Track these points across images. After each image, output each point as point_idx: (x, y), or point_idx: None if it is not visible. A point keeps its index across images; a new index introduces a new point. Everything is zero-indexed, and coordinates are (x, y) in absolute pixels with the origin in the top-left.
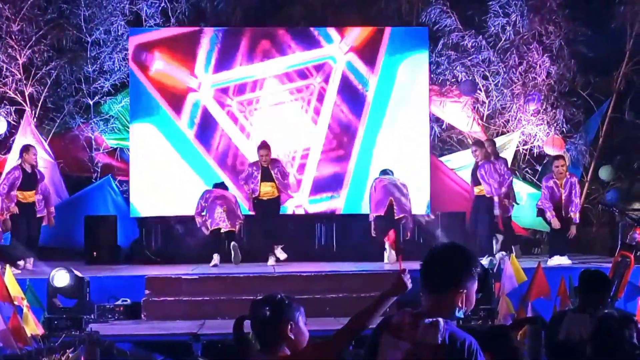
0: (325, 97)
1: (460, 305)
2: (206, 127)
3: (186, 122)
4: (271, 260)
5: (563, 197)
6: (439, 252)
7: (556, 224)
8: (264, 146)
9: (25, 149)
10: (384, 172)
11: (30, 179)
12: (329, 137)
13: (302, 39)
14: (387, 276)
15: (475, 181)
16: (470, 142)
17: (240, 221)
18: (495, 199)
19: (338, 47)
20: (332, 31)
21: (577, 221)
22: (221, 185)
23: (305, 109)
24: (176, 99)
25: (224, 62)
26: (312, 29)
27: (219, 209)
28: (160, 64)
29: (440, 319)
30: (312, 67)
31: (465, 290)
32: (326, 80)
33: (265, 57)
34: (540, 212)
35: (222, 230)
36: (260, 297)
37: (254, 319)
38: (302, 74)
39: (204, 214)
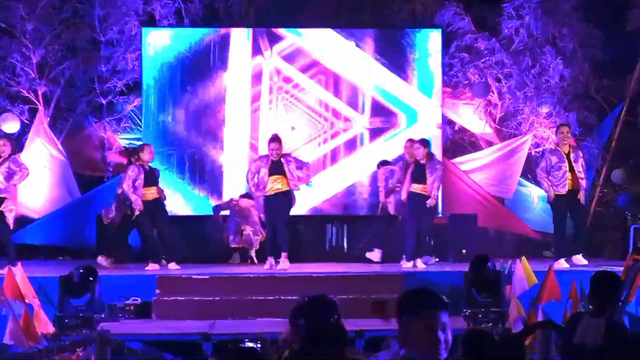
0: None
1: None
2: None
3: None
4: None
5: (574, 165)
6: None
7: (551, 195)
8: (275, 139)
9: (141, 148)
10: (385, 162)
11: (148, 176)
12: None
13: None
14: (398, 277)
15: (418, 179)
16: (483, 145)
17: (257, 238)
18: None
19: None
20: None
21: (584, 187)
22: (246, 196)
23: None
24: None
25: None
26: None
27: (237, 236)
28: None
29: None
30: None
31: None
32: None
33: None
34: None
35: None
36: (314, 300)
37: (320, 325)
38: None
39: (223, 213)
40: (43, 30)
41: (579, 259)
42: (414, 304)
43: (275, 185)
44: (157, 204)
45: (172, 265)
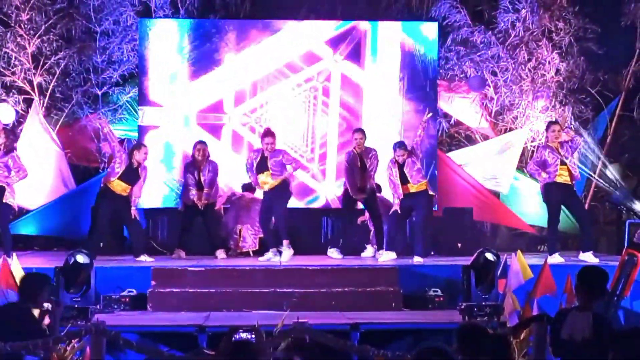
0: (330, 91)
1: None
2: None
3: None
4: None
5: (565, 159)
6: None
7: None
8: (268, 133)
9: (137, 146)
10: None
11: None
12: (341, 124)
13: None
14: (393, 270)
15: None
16: (478, 138)
17: (256, 237)
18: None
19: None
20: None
21: (578, 178)
22: (248, 187)
23: (313, 103)
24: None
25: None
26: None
27: (233, 238)
28: None
29: None
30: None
31: None
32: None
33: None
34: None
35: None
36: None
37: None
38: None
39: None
40: (38, 20)
41: (589, 257)
42: None
43: (266, 180)
44: (126, 201)
45: (144, 257)
